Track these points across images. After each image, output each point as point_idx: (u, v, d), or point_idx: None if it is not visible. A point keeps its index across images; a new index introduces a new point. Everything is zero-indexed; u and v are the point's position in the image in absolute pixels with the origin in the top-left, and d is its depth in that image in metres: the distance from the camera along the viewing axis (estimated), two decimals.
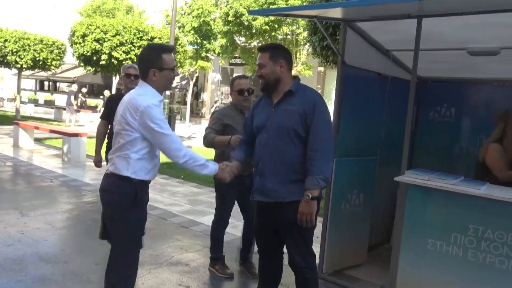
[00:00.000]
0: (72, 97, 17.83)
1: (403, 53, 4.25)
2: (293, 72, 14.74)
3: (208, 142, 3.48)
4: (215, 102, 18.24)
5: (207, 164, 2.51)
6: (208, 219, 5.36)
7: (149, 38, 12.64)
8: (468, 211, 2.91)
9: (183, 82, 27.77)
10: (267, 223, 2.79)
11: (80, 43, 12.70)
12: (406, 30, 3.67)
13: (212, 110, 16.19)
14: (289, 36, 18.17)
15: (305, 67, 18.41)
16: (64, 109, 19.98)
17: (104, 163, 3.93)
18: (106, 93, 22.39)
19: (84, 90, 26.08)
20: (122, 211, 2.42)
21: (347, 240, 3.94)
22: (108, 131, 4.18)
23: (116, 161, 2.43)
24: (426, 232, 3.07)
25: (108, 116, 3.97)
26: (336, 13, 3.21)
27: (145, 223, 2.61)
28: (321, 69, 20.97)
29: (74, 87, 19.25)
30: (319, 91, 21.48)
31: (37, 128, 10.42)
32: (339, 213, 3.80)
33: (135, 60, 12.74)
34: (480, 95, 4.68)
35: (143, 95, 2.40)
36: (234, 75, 25.86)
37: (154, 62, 2.43)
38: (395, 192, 3.51)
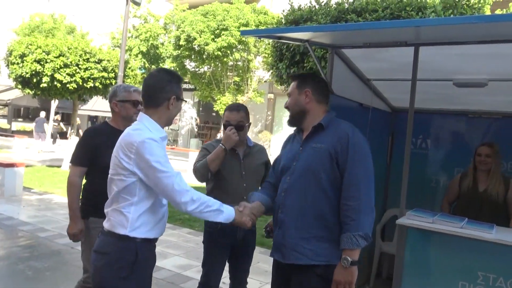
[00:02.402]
0: (45, 124, 17.76)
1: (380, 82, 4.10)
2: (244, 99, 14.51)
3: (203, 168, 2.81)
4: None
5: (222, 209, 2.05)
6: (170, 263, 4.80)
7: (96, 60, 11.93)
8: (477, 257, 2.66)
9: None
10: None
11: (18, 63, 11.70)
12: (392, 58, 3.51)
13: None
14: (240, 63, 18.08)
15: (256, 93, 18.33)
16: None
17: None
18: (56, 116, 20.64)
19: (58, 117, 24.84)
20: (117, 279, 1.91)
21: None
22: (86, 182, 2.90)
23: (111, 216, 1.99)
24: (430, 280, 2.77)
25: (84, 160, 2.77)
26: (328, 37, 2.93)
27: None
28: (271, 96, 21.03)
29: (43, 114, 19.05)
30: (269, 117, 21.47)
31: None
32: None
33: (80, 84, 11.93)
34: (456, 126, 4.59)
35: (141, 130, 1.98)
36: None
37: (176, 88, 2.09)
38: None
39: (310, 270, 2.06)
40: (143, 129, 1.99)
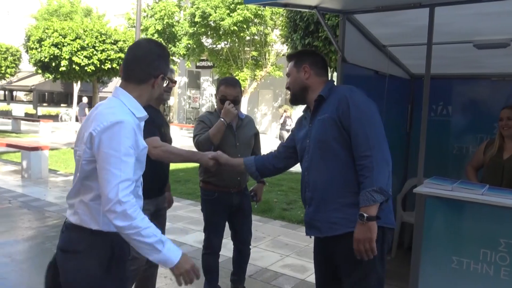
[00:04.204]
0: (86, 109, 18.39)
1: (397, 48, 3.95)
2: (262, 74, 14.32)
3: (206, 142, 2.90)
4: (285, 111, 14.90)
5: (159, 249, 1.55)
6: (191, 238, 4.88)
7: (112, 41, 11.96)
8: (499, 224, 2.57)
9: None
10: (326, 266, 2.28)
11: (36, 48, 11.87)
12: (407, 22, 3.36)
13: (281, 121, 14.63)
14: (257, 37, 17.83)
15: (275, 68, 18.12)
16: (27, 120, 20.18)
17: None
18: (85, 99, 20.84)
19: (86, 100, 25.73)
20: (93, 279, 1.66)
21: None
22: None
23: (78, 209, 1.68)
24: (450, 249, 2.70)
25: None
26: (337, 2, 2.81)
27: (131, 282, 2.01)
28: None
29: (85, 100, 19.66)
30: (288, 92, 21.22)
31: None
32: None
33: (98, 66, 12.01)
34: (478, 91, 4.41)
35: (114, 108, 1.67)
36: (201, 78, 25.43)
37: (164, 66, 1.80)
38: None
39: (349, 238, 2.03)
40: (118, 107, 1.68)
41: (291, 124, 14.53)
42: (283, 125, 14.62)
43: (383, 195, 1.97)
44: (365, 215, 1.96)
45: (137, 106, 1.74)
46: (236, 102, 3.04)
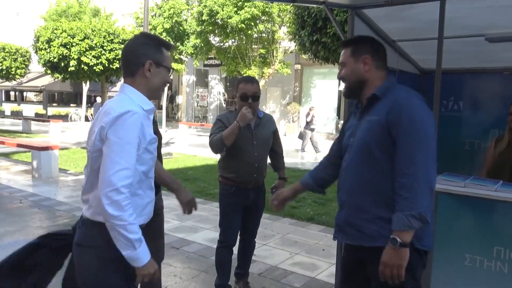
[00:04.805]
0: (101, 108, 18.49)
1: (407, 43, 3.90)
2: (270, 72, 14.18)
3: (219, 143, 2.99)
4: (310, 110, 14.32)
5: (136, 247, 1.63)
6: (200, 237, 4.88)
7: (120, 41, 12.00)
8: None
9: None
10: (353, 272, 2.14)
11: (45, 49, 11.94)
12: (417, 16, 3.32)
13: (308, 119, 14.06)
14: (264, 34, 17.78)
15: (283, 65, 18.06)
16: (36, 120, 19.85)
17: None
18: (98, 99, 21.00)
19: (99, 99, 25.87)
20: (107, 274, 1.72)
21: None
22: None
23: (93, 203, 1.72)
24: (463, 246, 2.66)
25: None
26: None
27: None
28: (298, 66, 20.69)
29: (99, 100, 19.32)
30: (297, 89, 21.17)
31: (2, 143, 9.62)
32: None
33: (106, 65, 12.06)
34: (490, 86, 4.34)
35: (122, 101, 1.73)
36: (209, 76, 25.45)
37: (152, 52, 1.80)
38: None
39: (377, 253, 1.85)
40: (126, 100, 1.74)
41: (315, 122, 13.99)
42: (309, 123, 13.88)
43: (421, 222, 1.76)
44: (399, 240, 1.76)
45: (143, 99, 1.79)
46: (256, 98, 3.08)
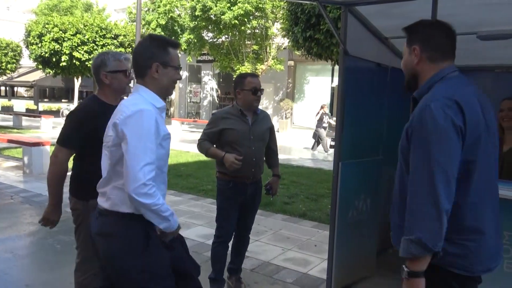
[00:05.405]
0: None
1: (399, 40, 3.91)
2: (263, 68, 14.04)
3: (203, 151, 3.21)
4: (322, 107, 13.92)
5: (169, 219, 1.86)
6: (193, 233, 4.87)
7: (112, 35, 11.91)
8: (502, 217, 2.55)
9: None
10: None
11: (36, 43, 11.84)
12: (409, 14, 3.31)
13: (318, 117, 13.80)
14: (257, 30, 17.76)
15: (276, 61, 18.05)
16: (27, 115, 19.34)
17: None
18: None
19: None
20: (132, 261, 1.85)
21: (355, 252, 3.54)
22: (76, 165, 2.64)
23: (111, 194, 1.86)
24: None
25: (71, 140, 2.46)
26: None
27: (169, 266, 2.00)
28: (292, 63, 20.68)
29: None
30: (290, 85, 21.16)
31: None
32: (346, 223, 3.38)
33: None
34: (482, 83, 4.37)
35: (137, 100, 1.88)
36: (202, 72, 25.36)
37: (158, 54, 1.92)
38: None
39: (428, 270, 1.57)
40: (139, 99, 1.88)
41: (327, 121, 13.71)
42: (320, 122, 13.61)
43: (423, 249, 1.47)
44: (405, 269, 1.52)
45: (154, 97, 1.92)
46: (262, 91, 3.20)
